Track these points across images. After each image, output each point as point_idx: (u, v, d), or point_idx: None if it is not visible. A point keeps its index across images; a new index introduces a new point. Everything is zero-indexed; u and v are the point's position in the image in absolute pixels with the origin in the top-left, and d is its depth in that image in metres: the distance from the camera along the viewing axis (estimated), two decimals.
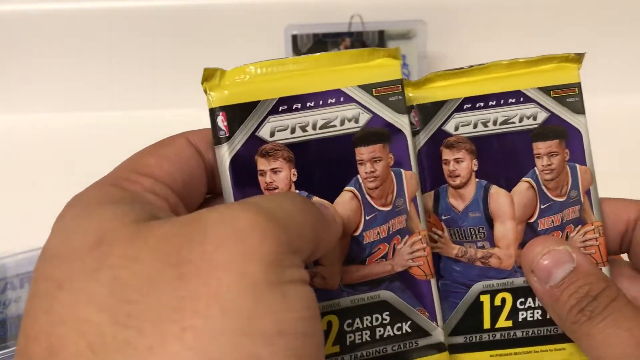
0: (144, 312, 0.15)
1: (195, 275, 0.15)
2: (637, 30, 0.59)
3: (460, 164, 0.26)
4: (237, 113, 0.23)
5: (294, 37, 0.53)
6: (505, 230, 0.26)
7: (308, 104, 0.23)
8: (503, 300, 0.26)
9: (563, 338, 0.25)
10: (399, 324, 0.24)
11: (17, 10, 0.56)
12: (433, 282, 0.25)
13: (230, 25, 0.57)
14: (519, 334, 0.26)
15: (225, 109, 0.23)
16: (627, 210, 0.26)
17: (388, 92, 0.24)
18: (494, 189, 0.26)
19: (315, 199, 0.23)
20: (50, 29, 0.57)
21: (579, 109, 0.28)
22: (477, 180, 0.26)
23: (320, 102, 0.24)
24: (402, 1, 0.56)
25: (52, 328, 0.15)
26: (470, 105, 0.25)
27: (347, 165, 0.24)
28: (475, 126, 0.26)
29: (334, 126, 0.24)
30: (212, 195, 0.25)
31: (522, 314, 0.26)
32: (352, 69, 0.24)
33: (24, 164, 0.53)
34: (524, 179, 0.26)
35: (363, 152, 0.24)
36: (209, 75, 0.23)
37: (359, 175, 0.24)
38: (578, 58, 0.28)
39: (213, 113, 0.23)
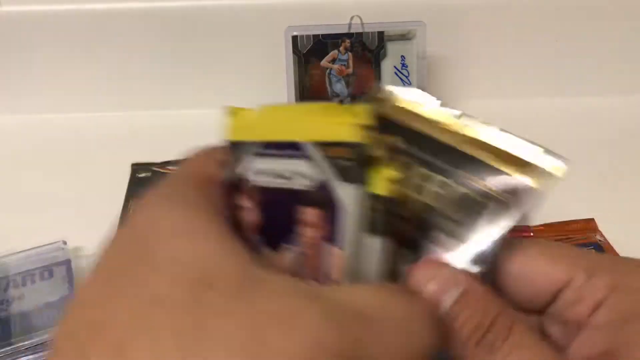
0: (112, 313, 0.15)
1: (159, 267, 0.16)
2: (637, 30, 0.59)
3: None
4: (235, 149, 0.23)
5: (294, 38, 0.53)
6: None
7: (271, 151, 0.22)
8: None
9: None
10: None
11: (18, 10, 0.56)
12: None
13: (231, 26, 0.57)
14: None
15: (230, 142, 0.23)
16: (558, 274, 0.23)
17: (340, 155, 0.21)
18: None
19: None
20: (50, 29, 0.57)
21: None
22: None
23: (278, 152, 0.22)
24: (401, 2, 0.57)
25: None
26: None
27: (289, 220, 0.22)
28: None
29: (288, 178, 0.22)
30: None
31: None
32: (316, 121, 0.22)
33: (26, 164, 0.53)
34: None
35: (303, 213, 0.21)
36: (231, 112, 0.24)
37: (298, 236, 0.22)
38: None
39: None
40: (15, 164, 0.53)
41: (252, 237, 0.22)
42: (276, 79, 0.56)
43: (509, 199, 0.23)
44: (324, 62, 0.54)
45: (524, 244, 0.24)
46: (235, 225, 0.22)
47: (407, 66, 0.55)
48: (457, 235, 0.23)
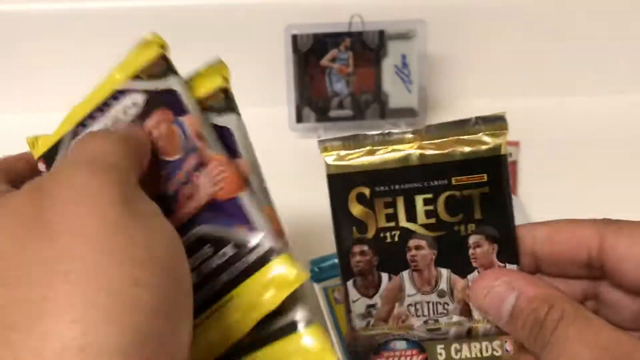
0: (27, 270, 0.16)
1: (62, 228, 0.17)
2: (637, 30, 0.59)
3: None
4: (51, 154, 0.27)
5: (294, 37, 0.53)
6: None
7: (95, 115, 0.27)
8: None
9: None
10: (223, 250, 0.24)
11: (17, 10, 0.56)
12: (242, 195, 0.25)
13: (230, 25, 0.57)
14: None
15: (42, 156, 0.27)
16: (585, 240, 0.25)
17: (153, 69, 0.27)
18: None
19: (127, 128, 0.25)
20: (49, 30, 0.57)
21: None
22: None
23: (103, 109, 0.27)
24: (402, 1, 0.56)
25: None
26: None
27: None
28: None
29: (120, 119, 0.26)
30: None
31: None
32: (119, 70, 0.28)
33: None
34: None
35: (148, 125, 0.26)
36: (30, 144, 0.28)
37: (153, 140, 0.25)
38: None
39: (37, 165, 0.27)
40: None
41: None
42: (276, 78, 0.56)
43: (489, 178, 0.27)
44: (324, 61, 0.54)
45: (627, 227, 0.24)
46: None
47: (407, 65, 0.54)
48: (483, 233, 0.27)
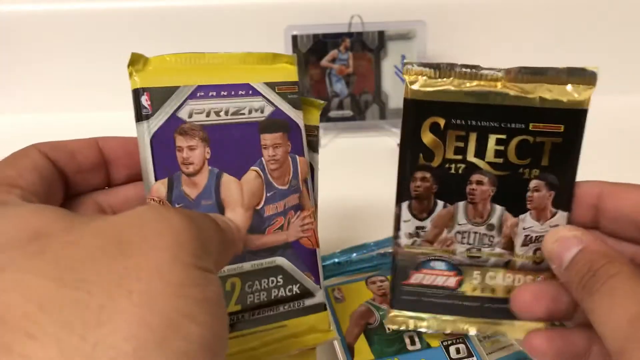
0: (92, 279, 0.17)
1: (137, 253, 0.18)
2: (636, 31, 0.59)
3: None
4: (160, 94, 0.26)
5: (294, 38, 0.53)
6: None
7: (222, 92, 0.27)
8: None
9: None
10: (291, 286, 0.28)
11: (18, 10, 0.56)
12: (318, 251, 0.29)
13: (230, 25, 0.57)
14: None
15: (149, 90, 0.25)
16: (595, 187, 0.28)
17: (288, 90, 0.28)
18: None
19: (223, 219, 0.25)
20: (49, 30, 0.57)
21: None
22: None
23: (232, 93, 0.27)
24: (402, 1, 0.56)
25: None
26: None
27: (253, 148, 0.27)
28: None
29: (243, 114, 0.27)
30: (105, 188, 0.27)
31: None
32: (259, 68, 0.28)
33: None
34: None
35: (267, 138, 0.27)
36: (134, 60, 0.26)
37: (262, 158, 0.27)
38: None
39: (137, 93, 0.26)
40: None
41: (204, 170, 0.26)
42: None
43: (565, 129, 0.28)
44: (324, 62, 0.54)
45: (612, 189, 0.28)
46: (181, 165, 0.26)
47: None
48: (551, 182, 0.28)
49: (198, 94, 0.26)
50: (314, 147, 0.30)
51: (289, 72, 0.28)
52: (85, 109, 0.59)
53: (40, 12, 0.56)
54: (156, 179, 0.25)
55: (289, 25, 0.53)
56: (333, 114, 0.55)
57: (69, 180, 0.25)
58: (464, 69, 0.27)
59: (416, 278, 0.30)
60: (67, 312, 0.16)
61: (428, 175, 0.29)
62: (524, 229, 0.29)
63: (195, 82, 0.26)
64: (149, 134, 0.25)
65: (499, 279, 0.30)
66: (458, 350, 0.31)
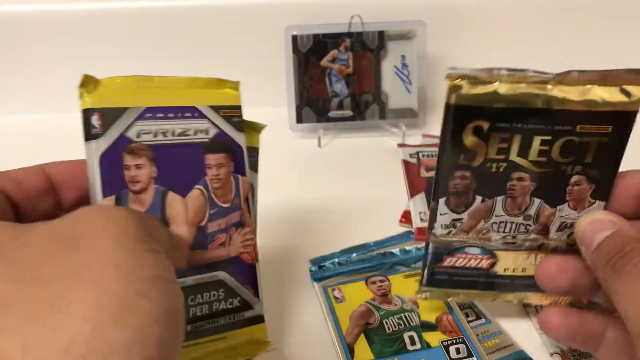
0: (48, 275, 0.18)
1: (86, 245, 0.19)
2: (636, 31, 0.59)
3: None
4: (110, 115, 0.27)
5: (294, 38, 0.53)
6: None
7: (169, 114, 0.28)
8: None
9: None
10: (231, 299, 0.29)
11: (18, 10, 0.56)
12: (257, 265, 0.30)
13: (231, 25, 0.57)
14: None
15: (100, 110, 0.27)
16: (637, 178, 0.28)
17: (231, 114, 0.29)
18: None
19: (172, 229, 0.28)
20: (49, 30, 0.57)
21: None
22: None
23: (179, 115, 0.28)
24: (402, 2, 0.57)
25: None
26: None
27: (197, 167, 0.28)
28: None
29: (189, 135, 0.28)
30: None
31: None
32: (205, 92, 0.29)
33: (26, 164, 0.53)
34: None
35: (211, 159, 0.29)
36: (85, 82, 0.27)
37: (206, 177, 0.28)
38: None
39: (87, 113, 0.27)
40: (16, 164, 0.53)
41: (150, 187, 0.27)
42: (276, 79, 0.56)
43: (613, 130, 0.27)
44: (324, 62, 0.54)
45: None
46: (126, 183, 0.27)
47: (407, 65, 0.54)
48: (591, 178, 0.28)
49: (146, 115, 0.27)
50: (254, 167, 0.31)
51: (233, 97, 0.30)
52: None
53: (40, 12, 0.56)
54: (104, 196, 0.26)
55: (289, 25, 0.53)
56: (333, 114, 0.55)
57: (19, 207, 0.26)
58: (508, 74, 0.27)
59: (450, 261, 0.31)
60: (27, 306, 0.17)
61: (468, 174, 0.29)
62: (560, 217, 0.29)
63: (143, 103, 0.27)
64: (99, 153, 0.26)
65: (531, 259, 0.31)
66: (458, 350, 0.31)
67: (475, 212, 0.30)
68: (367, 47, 0.54)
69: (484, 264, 0.31)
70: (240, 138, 0.29)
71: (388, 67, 0.55)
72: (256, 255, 0.30)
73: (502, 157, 0.28)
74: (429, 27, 0.53)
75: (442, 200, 0.30)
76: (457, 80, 0.27)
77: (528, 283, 0.31)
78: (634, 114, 0.27)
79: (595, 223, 0.27)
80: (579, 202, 0.29)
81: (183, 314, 0.21)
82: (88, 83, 0.27)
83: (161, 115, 0.28)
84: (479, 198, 0.29)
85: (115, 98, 0.27)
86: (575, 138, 0.28)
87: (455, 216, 0.30)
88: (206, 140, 0.28)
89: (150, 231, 0.22)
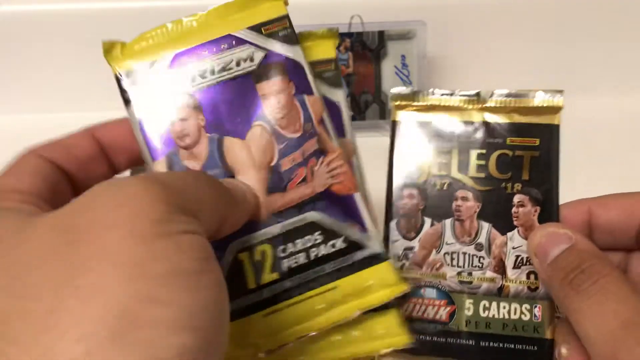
0: (39, 283, 0.15)
1: (85, 239, 0.16)
2: (636, 31, 0.59)
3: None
4: (139, 74, 0.24)
5: None
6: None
7: (202, 52, 0.25)
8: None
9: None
10: (332, 241, 0.25)
11: (18, 10, 0.56)
12: (357, 195, 0.26)
13: None
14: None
15: (127, 72, 0.25)
16: (581, 205, 0.28)
17: (277, 28, 0.25)
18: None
19: (230, 180, 0.23)
20: (49, 30, 0.57)
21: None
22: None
23: (214, 49, 0.25)
24: (402, 1, 0.56)
25: None
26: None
27: (251, 101, 0.25)
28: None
29: (231, 68, 0.25)
30: None
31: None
32: (239, 16, 0.25)
33: None
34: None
35: (264, 87, 0.25)
36: (108, 48, 0.25)
37: (264, 109, 0.25)
38: None
39: (117, 78, 0.25)
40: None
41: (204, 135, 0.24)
42: None
43: (540, 143, 0.29)
44: None
45: (600, 201, 0.29)
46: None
47: (407, 66, 0.54)
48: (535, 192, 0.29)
49: (176, 62, 0.25)
50: (334, 81, 0.27)
51: (275, 8, 0.25)
52: (85, 108, 0.59)
53: (40, 12, 0.56)
54: (153, 160, 0.24)
55: None
56: None
57: (73, 176, 0.25)
58: (443, 93, 0.30)
59: (406, 308, 0.29)
60: (13, 324, 0.15)
61: (415, 192, 0.30)
62: (513, 248, 0.29)
63: (172, 50, 0.25)
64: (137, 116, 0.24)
65: (493, 310, 0.29)
66: None
67: (426, 238, 0.30)
68: (367, 47, 0.54)
69: (443, 313, 0.29)
70: (295, 52, 0.25)
71: (388, 67, 0.55)
72: (354, 184, 0.26)
73: (444, 173, 0.30)
74: (429, 27, 0.53)
75: (392, 224, 0.30)
76: (395, 100, 0.30)
77: (498, 348, 0.28)
78: (556, 127, 0.29)
79: (550, 236, 0.26)
80: (527, 228, 0.29)
81: (222, 308, 0.17)
82: (111, 49, 0.25)
83: (193, 56, 0.25)
84: (427, 221, 0.30)
85: (142, 55, 0.25)
86: (507, 151, 0.29)
87: (407, 244, 0.30)
88: (253, 67, 0.25)
89: (182, 201, 0.17)
